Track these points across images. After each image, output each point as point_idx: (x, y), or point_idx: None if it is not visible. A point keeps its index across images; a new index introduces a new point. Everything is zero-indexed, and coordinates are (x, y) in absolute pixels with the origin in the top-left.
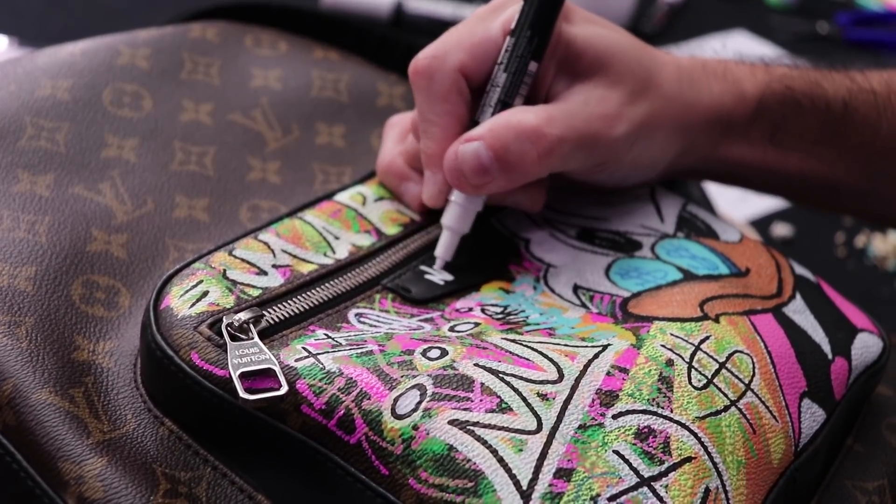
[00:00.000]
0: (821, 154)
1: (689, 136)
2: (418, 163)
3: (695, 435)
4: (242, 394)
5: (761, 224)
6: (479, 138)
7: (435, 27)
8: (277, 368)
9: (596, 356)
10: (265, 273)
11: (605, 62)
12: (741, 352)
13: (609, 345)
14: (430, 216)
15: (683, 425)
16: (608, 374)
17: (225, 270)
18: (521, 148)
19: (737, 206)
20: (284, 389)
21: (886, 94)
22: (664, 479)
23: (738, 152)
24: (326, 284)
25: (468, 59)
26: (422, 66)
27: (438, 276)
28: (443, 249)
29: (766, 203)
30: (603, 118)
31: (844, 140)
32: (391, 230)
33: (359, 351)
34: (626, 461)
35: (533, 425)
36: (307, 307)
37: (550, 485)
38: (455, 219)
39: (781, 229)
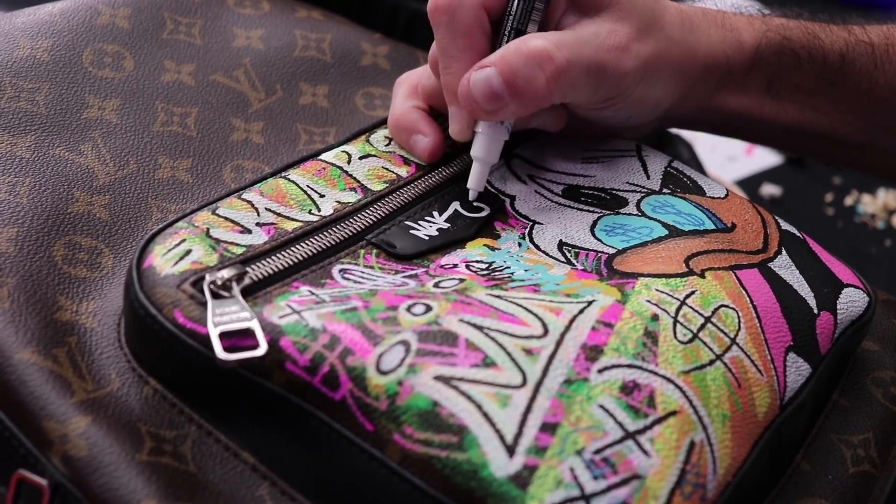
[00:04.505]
0: (818, 105)
1: (689, 81)
2: (437, 101)
3: (680, 389)
4: (220, 353)
5: (750, 184)
6: (491, 65)
7: None
8: (256, 327)
9: (581, 311)
10: (249, 231)
11: None
12: (727, 306)
13: (594, 300)
14: (419, 171)
15: (668, 379)
16: (593, 328)
17: (208, 229)
18: (529, 72)
19: (725, 167)
20: (263, 349)
21: (884, 46)
22: (649, 432)
23: (736, 102)
24: (310, 241)
25: None
26: (443, 2)
27: (423, 231)
28: (474, 181)
29: (754, 164)
30: (612, 49)
31: (841, 92)
32: (377, 186)
33: (343, 307)
34: (611, 415)
35: (518, 380)
36: (291, 263)
37: (535, 438)
38: (483, 150)
39: (770, 189)
